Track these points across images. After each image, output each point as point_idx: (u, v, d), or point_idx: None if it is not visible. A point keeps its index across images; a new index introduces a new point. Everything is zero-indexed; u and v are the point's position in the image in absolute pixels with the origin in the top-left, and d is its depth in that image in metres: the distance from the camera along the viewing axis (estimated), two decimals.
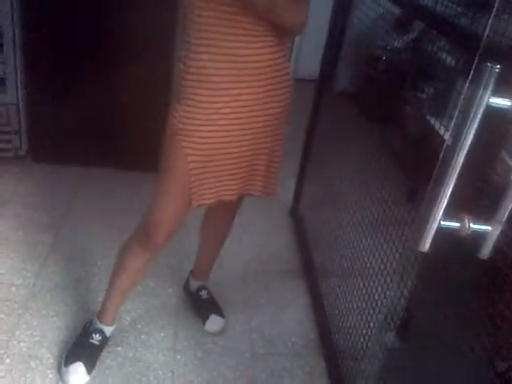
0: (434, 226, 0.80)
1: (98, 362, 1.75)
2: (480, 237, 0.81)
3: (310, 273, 2.32)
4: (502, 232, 0.80)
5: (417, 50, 3.67)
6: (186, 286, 2.10)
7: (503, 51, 0.90)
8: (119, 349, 1.83)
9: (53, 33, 2.53)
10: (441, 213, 0.80)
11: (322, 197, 2.65)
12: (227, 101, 1.38)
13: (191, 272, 2.08)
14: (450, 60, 2.95)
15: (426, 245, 0.82)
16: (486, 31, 0.87)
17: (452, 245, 1.00)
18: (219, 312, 2.01)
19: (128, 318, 1.96)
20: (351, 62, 4.13)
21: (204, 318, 1.99)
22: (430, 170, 1.01)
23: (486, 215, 0.81)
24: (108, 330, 1.78)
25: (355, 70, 4.29)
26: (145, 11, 2.46)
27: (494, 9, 0.96)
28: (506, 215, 0.77)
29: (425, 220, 0.81)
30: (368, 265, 1.87)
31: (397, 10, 3.65)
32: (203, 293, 2.05)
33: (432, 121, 2.73)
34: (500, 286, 1.15)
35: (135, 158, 2.68)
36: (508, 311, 1.14)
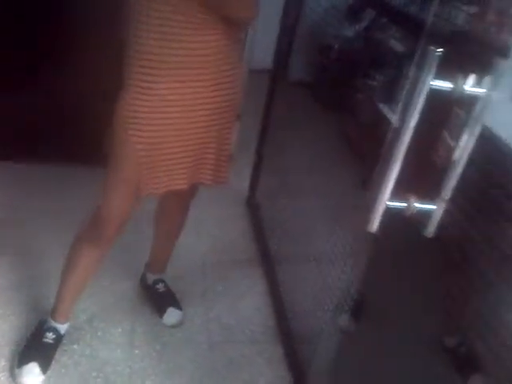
0: (382, 207, 0.81)
1: (53, 362, 1.70)
2: (425, 216, 0.83)
3: (267, 260, 2.33)
4: (446, 211, 0.82)
5: (368, 39, 3.72)
6: (143, 280, 2.07)
7: (446, 36, 0.92)
8: (75, 347, 1.79)
9: None
10: (388, 194, 0.81)
11: (278, 185, 2.67)
12: (175, 87, 1.36)
13: (147, 265, 2.05)
14: (399, 48, 3.02)
15: (375, 225, 0.83)
16: (430, 17, 0.88)
17: (401, 226, 1.03)
18: (176, 304, 1.99)
19: (84, 317, 1.91)
20: (306, 51, 4.16)
21: (161, 312, 1.96)
22: (380, 155, 1.03)
23: (431, 195, 0.83)
24: (62, 328, 1.74)
25: (310, 59, 4.32)
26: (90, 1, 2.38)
27: None
28: (449, 194, 0.79)
29: (373, 201, 0.82)
30: (322, 250, 1.90)
31: (347, 1, 3.71)
32: (160, 286, 2.02)
33: (382, 107, 2.78)
34: (447, 263, 1.19)
35: (85, 154, 2.60)
36: (456, 288, 1.18)
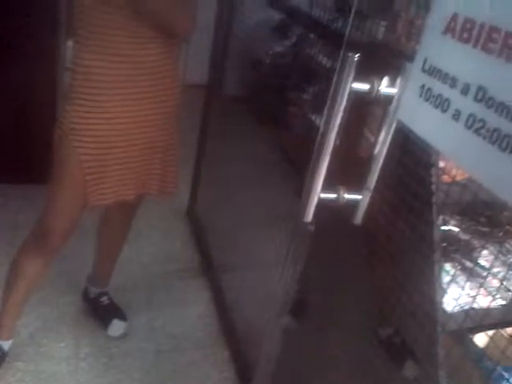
0: (315, 198, 0.90)
1: None
2: (354, 205, 0.93)
3: (210, 269, 2.38)
4: (372, 199, 0.92)
5: (297, 54, 3.88)
6: (85, 294, 2.06)
7: (362, 44, 1.03)
8: (19, 363, 1.77)
9: None
10: (320, 185, 0.90)
11: (218, 197, 2.73)
12: (117, 99, 1.40)
13: (89, 279, 2.04)
14: (325, 61, 3.18)
15: (310, 215, 0.92)
16: (348, 28, 0.99)
17: (331, 218, 1.12)
18: (121, 316, 2.00)
19: (26, 332, 1.89)
20: (239, 66, 4.26)
21: (106, 323, 1.97)
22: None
23: (357, 186, 0.93)
24: (6, 345, 1.71)
25: (244, 74, 4.44)
26: (26, 11, 2.36)
27: (353, 10, 1.09)
28: (372, 184, 0.89)
29: (307, 192, 0.90)
30: (262, 255, 1.98)
31: (276, 17, 3.86)
32: (104, 299, 2.02)
33: (314, 118, 2.92)
34: (376, 251, 1.29)
35: (21, 170, 2.56)
36: (385, 277, 1.29)
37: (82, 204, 1.49)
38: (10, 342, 1.72)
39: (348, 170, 0.96)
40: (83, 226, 1.64)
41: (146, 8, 1.32)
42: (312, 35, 3.17)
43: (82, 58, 1.37)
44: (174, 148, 1.63)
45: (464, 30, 0.74)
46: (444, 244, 1.03)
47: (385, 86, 0.84)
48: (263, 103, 4.10)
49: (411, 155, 0.96)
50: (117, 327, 1.96)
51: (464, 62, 0.74)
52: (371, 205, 0.94)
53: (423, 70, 0.77)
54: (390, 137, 0.86)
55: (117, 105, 1.40)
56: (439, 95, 0.76)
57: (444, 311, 1.03)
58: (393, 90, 0.84)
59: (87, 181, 1.45)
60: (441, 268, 1.01)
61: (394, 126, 0.86)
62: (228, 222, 2.51)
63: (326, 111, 0.91)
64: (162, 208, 2.60)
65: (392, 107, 0.84)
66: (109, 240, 1.92)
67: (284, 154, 3.71)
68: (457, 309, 1.05)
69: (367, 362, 1.80)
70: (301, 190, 2.74)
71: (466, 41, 0.74)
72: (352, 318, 1.74)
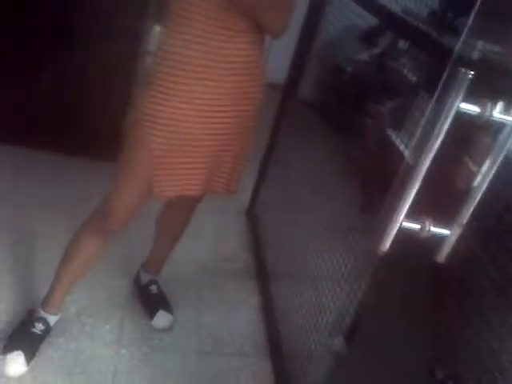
0: (396, 226, 0.81)
1: (37, 353, 1.67)
2: (439, 240, 0.83)
3: (262, 274, 2.31)
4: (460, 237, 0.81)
5: (381, 65, 3.75)
6: (137, 279, 2.05)
7: (475, 62, 0.92)
8: (61, 340, 1.77)
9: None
10: (403, 213, 0.80)
11: (279, 200, 2.66)
12: (201, 91, 1.35)
13: (142, 265, 2.03)
14: (410, 77, 3.04)
15: (386, 244, 0.82)
16: (461, 39, 0.89)
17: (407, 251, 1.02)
18: (168, 308, 1.97)
19: (73, 309, 1.89)
20: (318, 71, 4.18)
21: (152, 313, 1.94)
22: (386, 182, 1.02)
23: (446, 219, 0.82)
24: (52, 320, 1.71)
25: (322, 79, 4.35)
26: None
27: (469, 23, 0.98)
28: (465, 219, 0.79)
29: (387, 220, 0.81)
30: (319, 269, 1.89)
31: (364, 24, 3.74)
32: (153, 287, 2.00)
33: (390, 133, 2.79)
34: (443, 292, 1.18)
35: (88, 145, 2.59)
36: (447, 319, 1.17)
37: (146, 193, 1.46)
38: (57, 317, 1.72)
39: (438, 200, 0.86)
40: (146, 212, 1.61)
41: (241, 1, 1.26)
42: (402, 46, 3.05)
43: (169, 44, 1.33)
44: (248, 148, 1.56)
45: None
46: None
47: (498, 111, 0.73)
48: (338, 111, 3.99)
49: None
50: (162, 319, 1.93)
51: None
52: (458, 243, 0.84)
53: None
54: (494, 169, 0.76)
55: (196, 96, 1.35)
56: None
57: None
58: (508, 118, 0.73)
59: (155, 170, 1.41)
60: None
61: (501, 157, 0.75)
62: (287, 227, 2.44)
63: (421, 131, 0.82)
64: (222, 204, 2.55)
65: (504, 136, 0.74)
66: (166, 231, 1.89)
67: (353, 166, 3.59)
68: None
69: None
70: (365, 207, 2.63)
71: None
72: (407, 354, 1.62)
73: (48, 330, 1.71)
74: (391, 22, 1.61)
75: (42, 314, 1.69)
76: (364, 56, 4.03)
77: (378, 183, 1.35)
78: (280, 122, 2.60)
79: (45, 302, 1.70)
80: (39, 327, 1.67)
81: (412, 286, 1.51)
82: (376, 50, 3.99)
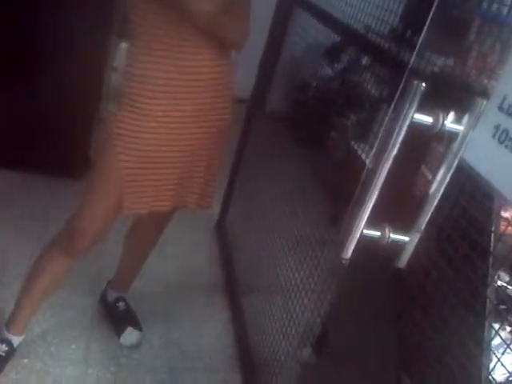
0: (357, 234, 0.82)
1: (1, 375, 1.63)
2: (398, 246, 0.85)
3: (232, 288, 2.31)
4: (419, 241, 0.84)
5: (345, 80, 3.83)
6: (103, 297, 2.02)
7: (428, 74, 0.96)
8: (26, 361, 1.72)
9: None
10: (363, 221, 0.82)
11: (249, 214, 2.67)
12: (169, 110, 1.36)
13: (109, 282, 2.00)
14: (373, 91, 3.11)
15: (349, 252, 0.84)
16: (414, 52, 0.92)
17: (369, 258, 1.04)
18: (136, 325, 1.95)
19: (38, 329, 1.85)
20: (284, 85, 4.23)
21: (120, 331, 1.91)
22: (353, 193, 1.04)
23: (405, 226, 0.85)
24: (16, 341, 1.67)
25: (287, 93, 4.40)
26: (79, 13, 2.38)
27: (421, 38, 1.02)
28: (423, 226, 0.81)
29: (349, 227, 0.83)
30: (288, 282, 1.90)
31: (327, 41, 3.82)
32: (120, 304, 1.97)
33: (354, 145, 2.85)
34: (416, 300, 1.20)
35: (54, 164, 2.55)
36: (413, 325, 1.19)
37: (116, 211, 1.45)
38: (21, 338, 1.68)
39: (396, 208, 0.88)
40: (112, 229, 1.59)
41: (197, 17, 1.28)
42: (363, 61, 3.12)
43: (136, 62, 1.34)
44: (218, 162, 1.57)
45: None
46: (495, 302, 0.94)
47: (450, 122, 0.76)
48: (304, 125, 4.05)
49: (470, 199, 0.88)
50: (130, 336, 1.91)
51: None
52: (418, 249, 0.86)
53: (500, 109, 0.69)
54: (448, 176, 0.78)
55: (164, 114, 1.36)
56: None
57: (490, 381, 0.93)
58: (459, 127, 0.76)
59: (125, 188, 1.40)
60: (490, 329, 0.91)
61: (455, 165, 0.78)
62: (256, 241, 2.44)
63: (379, 140, 0.84)
64: (191, 218, 2.54)
65: (456, 145, 0.76)
66: (136, 247, 1.87)
67: (320, 179, 3.63)
68: (503, 378, 0.94)
69: None
70: (335, 218, 2.65)
71: None
72: (375, 363, 1.64)
73: (12, 351, 1.66)
74: (353, 39, 1.65)
75: (6, 335, 1.65)
76: (328, 72, 4.10)
77: (345, 194, 1.38)
78: (247, 136, 2.62)
79: (9, 323, 1.66)
80: (2, 348, 1.63)
81: (379, 294, 1.53)
82: (339, 66, 4.07)
